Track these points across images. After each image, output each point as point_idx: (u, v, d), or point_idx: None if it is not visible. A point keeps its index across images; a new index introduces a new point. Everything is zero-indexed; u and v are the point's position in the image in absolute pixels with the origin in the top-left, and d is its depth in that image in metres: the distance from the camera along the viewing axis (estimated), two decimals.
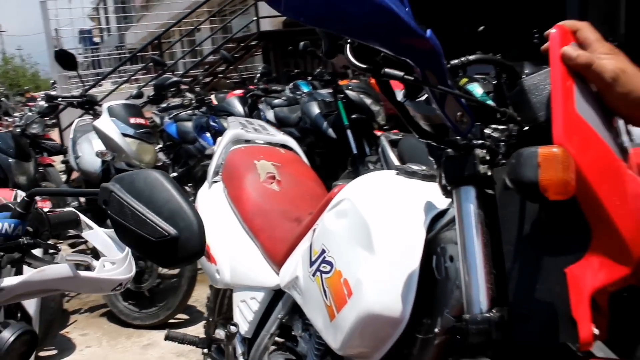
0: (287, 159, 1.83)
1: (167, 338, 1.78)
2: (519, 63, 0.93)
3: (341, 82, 4.31)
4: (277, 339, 1.43)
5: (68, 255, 0.99)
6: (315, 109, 4.18)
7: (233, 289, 1.59)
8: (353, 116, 4.03)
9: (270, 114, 4.68)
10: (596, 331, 0.72)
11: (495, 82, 0.91)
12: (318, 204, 1.30)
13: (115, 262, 0.92)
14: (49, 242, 0.90)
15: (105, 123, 3.22)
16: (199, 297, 3.09)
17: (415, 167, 1.12)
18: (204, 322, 2.03)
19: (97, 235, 1.03)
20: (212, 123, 3.75)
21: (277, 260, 1.40)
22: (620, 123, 0.83)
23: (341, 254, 1.05)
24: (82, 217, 1.04)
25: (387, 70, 0.78)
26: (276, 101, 4.75)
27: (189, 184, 4.11)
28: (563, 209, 0.74)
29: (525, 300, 0.76)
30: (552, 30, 0.83)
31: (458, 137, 0.82)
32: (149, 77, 8.92)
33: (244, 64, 10.54)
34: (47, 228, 0.89)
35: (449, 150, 0.84)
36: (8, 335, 0.76)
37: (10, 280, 0.76)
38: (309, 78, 5.13)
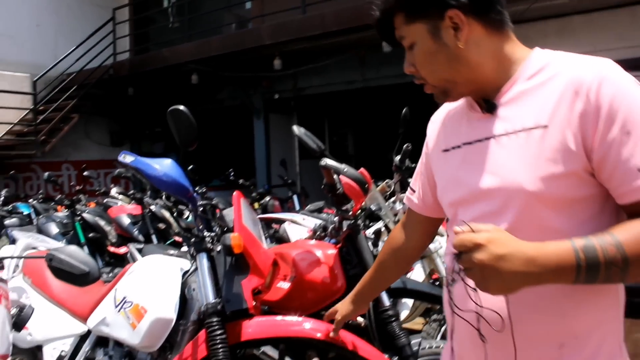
0: None
1: None
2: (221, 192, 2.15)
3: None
4: None
5: None
6: (54, 229, 4.89)
7: (43, 345, 2.39)
8: (89, 235, 4.88)
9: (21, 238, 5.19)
10: (255, 304, 1.90)
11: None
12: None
13: None
14: None
15: None
16: None
17: (172, 252, 2.22)
18: None
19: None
20: None
21: (84, 315, 2.30)
22: (259, 226, 2.08)
23: (137, 294, 2.06)
24: None
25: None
26: (11, 221, 5.29)
27: None
28: (240, 258, 1.92)
29: (227, 292, 1.89)
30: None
31: (198, 233, 1.96)
32: None
33: None
34: None
35: (194, 238, 1.97)
36: None
37: None
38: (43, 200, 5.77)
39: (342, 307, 1.70)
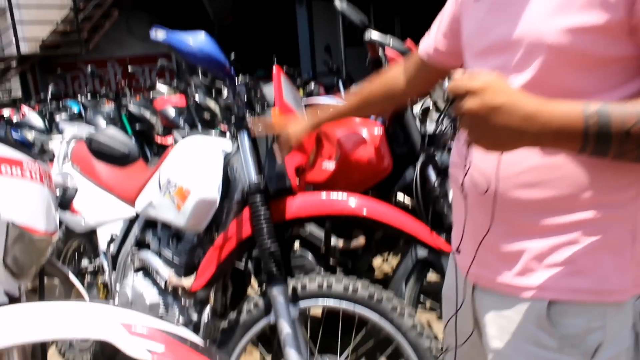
0: None
1: None
2: (265, 82, 2.04)
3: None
4: (135, 248, 2.33)
5: None
6: (101, 122, 4.95)
7: (97, 228, 2.45)
8: (136, 128, 4.91)
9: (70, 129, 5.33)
10: (296, 182, 1.85)
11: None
12: (146, 169, 2.29)
13: None
14: None
15: None
16: None
17: (212, 131, 2.16)
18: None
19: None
20: (14, 134, 4.30)
21: (131, 198, 2.32)
22: (301, 103, 1.98)
23: (181, 176, 2.03)
24: None
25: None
26: (62, 116, 5.39)
27: None
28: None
29: (270, 171, 1.84)
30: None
31: (238, 112, 1.88)
32: None
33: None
34: None
35: (234, 117, 1.90)
36: None
37: None
38: (90, 96, 5.83)
39: (296, 126, 1.67)
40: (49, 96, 6.00)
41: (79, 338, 1.02)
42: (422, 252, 2.28)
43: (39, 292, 1.35)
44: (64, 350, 2.88)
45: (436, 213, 2.27)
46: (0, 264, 1.18)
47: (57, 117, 5.45)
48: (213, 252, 1.88)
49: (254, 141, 1.88)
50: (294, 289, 1.77)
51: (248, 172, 1.83)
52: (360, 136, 2.44)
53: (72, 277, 1.47)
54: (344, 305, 1.76)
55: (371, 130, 2.48)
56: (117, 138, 1.88)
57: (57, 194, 1.54)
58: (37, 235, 1.22)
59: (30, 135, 4.10)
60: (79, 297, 1.46)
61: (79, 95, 6.94)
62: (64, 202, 1.52)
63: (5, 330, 1.08)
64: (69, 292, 1.47)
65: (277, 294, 1.70)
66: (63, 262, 2.90)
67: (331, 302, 1.77)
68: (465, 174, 1.06)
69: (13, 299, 1.23)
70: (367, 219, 1.81)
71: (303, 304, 1.77)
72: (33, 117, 4.98)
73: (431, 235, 1.88)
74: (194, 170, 2.00)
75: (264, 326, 1.80)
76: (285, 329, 1.66)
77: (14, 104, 6.96)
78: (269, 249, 1.72)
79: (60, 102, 6.54)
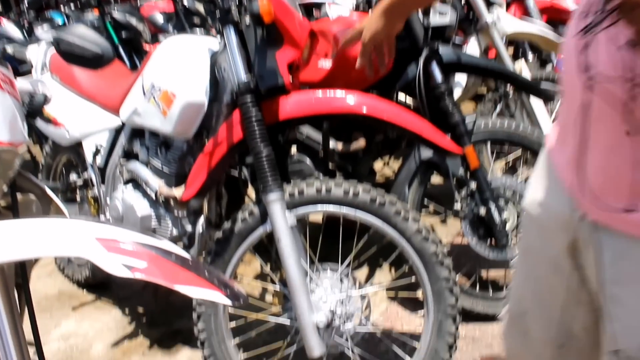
0: None
1: None
2: None
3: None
4: (122, 160, 2.20)
5: None
6: None
7: (83, 140, 2.32)
8: (123, 36, 4.65)
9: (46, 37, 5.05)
10: (289, 79, 1.69)
11: None
12: (130, 75, 2.12)
13: None
14: None
15: None
16: None
17: (197, 30, 1.98)
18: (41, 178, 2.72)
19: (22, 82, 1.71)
20: None
21: (115, 107, 2.17)
22: None
23: (165, 79, 1.87)
24: None
25: None
26: (43, 27, 5.11)
27: None
28: (272, 30, 1.67)
29: (260, 68, 1.67)
30: None
31: (222, 3, 1.69)
32: None
33: None
34: None
35: (218, 10, 1.71)
36: None
37: None
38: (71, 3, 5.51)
39: (371, 24, 1.36)
40: (26, 6, 5.67)
41: (51, 256, 0.91)
42: (426, 153, 2.15)
43: (13, 210, 1.23)
44: (63, 266, 2.83)
45: (440, 111, 2.13)
46: None
47: (39, 30, 5.17)
48: (203, 159, 1.76)
49: (241, 36, 1.70)
50: (291, 195, 1.66)
51: (236, 71, 1.66)
52: None
53: (50, 192, 1.35)
54: (344, 210, 1.66)
55: None
56: (87, 37, 1.70)
57: (24, 101, 1.39)
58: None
59: (9, 49, 3.88)
60: (59, 212, 1.35)
61: (61, 6, 6.59)
62: (32, 110, 1.38)
63: None
64: (47, 209, 1.35)
65: (272, 200, 1.58)
66: (53, 178, 2.79)
67: (331, 208, 1.66)
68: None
69: None
70: (367, 117, 1.67)
71: (301, 210, 1.66)
72: (10, 28, 4.71)
73: (436, 133, 1.74)
74: (179, 72, 1.84)
75: (261, 235, 1.70)
76: (282, 237, 1.56)
77: None
78: (262, 153, 1.59)
79: (42, 13, 6.20)
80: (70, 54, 1.71)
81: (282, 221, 1.58)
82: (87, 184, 2.39)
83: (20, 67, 3.74)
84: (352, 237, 1.81)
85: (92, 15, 5.04)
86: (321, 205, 1.66)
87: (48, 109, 2.38)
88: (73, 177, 2.44)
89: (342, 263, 1.73)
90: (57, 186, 2.49)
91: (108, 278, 2.62)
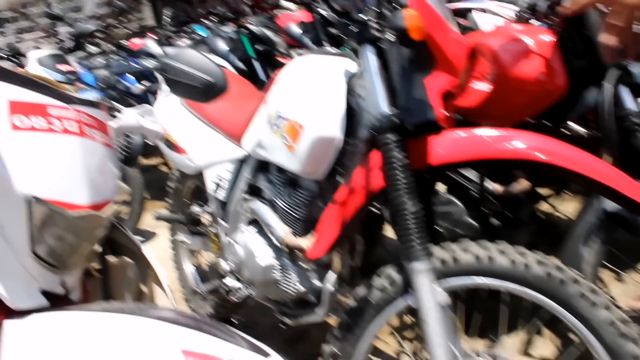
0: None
1: (157, 218, 2.30)
2: None
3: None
4: (245, 196, 1.98)
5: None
6: (223, 46, 4.64)
7: (204, 170, 2.12)
8: (258, 48, 4.55)
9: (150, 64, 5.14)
10: (446, 113, 1.34)
11: None
12: (259, 98, 1.86)
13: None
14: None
15: (36, 70, 3.54)
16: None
17: (329, 50, 1.68)
18: (169, 207, 2.57)
19: (130, 114, 1.52)
20: (134, 65, 4.12)
21: (238, 136, 1.94)
22: (445, 5, 1.43)
23: (291, 108, 1.60)
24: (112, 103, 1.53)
25: None
26: (188, 42, 5.17)
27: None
28: (421, 49, 1.33)
29: (406, 98, 1.34)
30: None
31: (358, 16, 1.38)
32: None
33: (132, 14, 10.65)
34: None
35: (354, 25, 1.41)
36: None
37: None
38: (211, 17, 5.56)
39: None
40: (169, 21, 5.80)
41: None
42: (610, 204, 1.70)
43: (102, 281, 1.01)
44: None
45: (631, 148, 1.68)
46: (27, 255, 0.83)
47: (179, 44, 5.24)
48: (334, 209, 1.46)
49: (382, 57, 1.38)
50: (443, 262, 1.31)
51: (376, 101, 1.35)
52: (523, 46, 1.85)
53: (147, 253, 1.12)
54: (509, 286, 1.27)
55: (538, 38, 1.88)
56: (198, 63, 1.45)
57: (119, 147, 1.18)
58: (75, 212, 0.85)
59: (150, 65, 3.88)
60: (156, 280, 1.12)
61: (202, 20, 6.70)
62: (129, 157, 1.17)
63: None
64: (144, 272, 1.12)
65: (418, 271, 1.24)
66: (183, 201, 2.63)
67: (492, 282, 1.29)
68: None
69: (57, 298, 0.89)
70: (545, 165, 1.28)
71: (453, 282, 1.31)
72: (151, 45, 4.77)
73: (632, 186, 1.29)
74: (307, 100, 1.56)
75: (401, 309, 1.36)
76: (430, 319, 1.22)
77: (142, 32, 6.91)
78: (407, 210, 1.25)
79: (184, 27, 6.33)
80: (177, 83, 1.47)
81: (430, 298, 1.23)
82: (210, 220, 2.19)
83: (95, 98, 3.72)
84: (516, 315, 1.42)
85: (231, 28, 5.01)
86: (480, 278, 1.29)
87: (171, 133, 2.22)
88: (195, 208, 2.26)
89: (501, 345, 1.34)
90: (181, 219, 2.33)
91: None
